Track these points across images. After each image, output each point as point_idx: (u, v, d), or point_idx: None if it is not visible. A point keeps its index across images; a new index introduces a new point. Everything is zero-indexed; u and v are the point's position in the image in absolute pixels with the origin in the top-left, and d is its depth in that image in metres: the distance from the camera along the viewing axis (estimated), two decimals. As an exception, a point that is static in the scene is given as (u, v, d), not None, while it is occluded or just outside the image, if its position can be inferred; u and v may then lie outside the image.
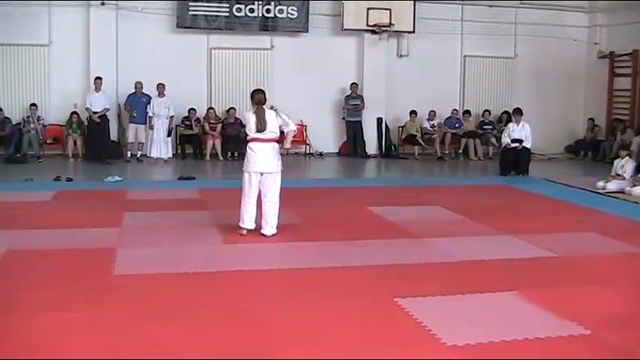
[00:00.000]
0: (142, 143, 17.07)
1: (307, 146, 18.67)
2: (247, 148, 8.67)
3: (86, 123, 16.91)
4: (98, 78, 16.49)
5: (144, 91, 16.96)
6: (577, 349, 5.17)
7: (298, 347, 5.09)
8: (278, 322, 5.61)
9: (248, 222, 8.69)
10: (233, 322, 5.57)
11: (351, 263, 7.44)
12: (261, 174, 8.61)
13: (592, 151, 19.32)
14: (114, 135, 17.32)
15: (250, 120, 8.63)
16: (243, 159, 8.82)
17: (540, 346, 5.17)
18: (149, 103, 16.92)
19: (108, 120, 16.87)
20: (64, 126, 17.20)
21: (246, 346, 5.08)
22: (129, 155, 17.00)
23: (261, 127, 8.53)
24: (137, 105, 16.90)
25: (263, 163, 8.58)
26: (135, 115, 16.84)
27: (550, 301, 6.11)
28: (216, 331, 5.36)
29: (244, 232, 8.67)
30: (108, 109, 16.76)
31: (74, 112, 17.01)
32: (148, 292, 6.31)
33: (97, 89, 16.54)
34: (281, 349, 5.05)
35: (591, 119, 19.86)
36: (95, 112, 16.51)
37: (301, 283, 6.74)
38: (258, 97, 8.66)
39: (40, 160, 16.42)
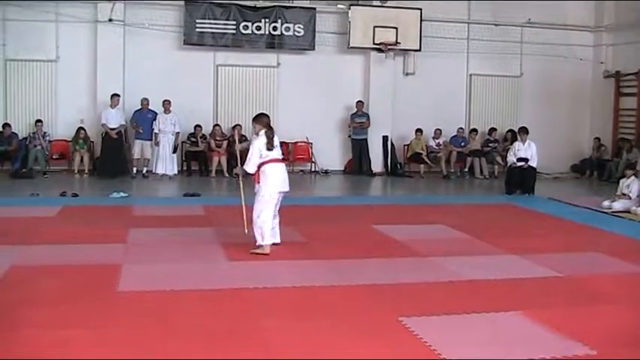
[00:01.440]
0: (148, 159, 17.11)
1: (313, 164, 18.68)
2: (264, 171, 8.72)
3: (101, 139, 16.98)
4: (116, 95, 16.63)
5: (150, 107, 17.00)
6: (582, 369, 5.15)
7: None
8: (282, 340, 5.59)
9: (275, 236, 8.88)
10: (237, 339, 5.55)
11: (356, 282, 7.42)
12: (281, 192, 8.87)
13: (598, 170, 19.29)
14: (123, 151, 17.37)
15: (261, 143, 8.72)
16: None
17: (545, 366, 5.16)
18: (155, 119, 16.96)
19: (122, 136, 16.93)
20: (70, 141, 17.25)
21: (250, 364, 5.07)
22: (135, 171, 17.02)
23: (271, 147, 8.73)
24: (143, 121, 16.95)
25: (285, 181, 8.89)
26: (141, 131, 16.88)
27: (555, 321, 6.07)
28: (219, 348, 5.33)
29: (269, 249, 8.70)
30: (124, 126, 16.85)
31: (81, 128, 17.08)
32: (151, 309, 6.30)
33: (113, 105, 16.63)
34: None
35: (597, 138, 19.84)
36: (112, 129, 16.59)
37: (306, 301, 6.72)
38: (267, 120, 8.93)
39: (46, 176, 16.48)
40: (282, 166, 8.95)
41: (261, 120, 8.91)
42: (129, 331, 5.66)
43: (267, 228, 8.67)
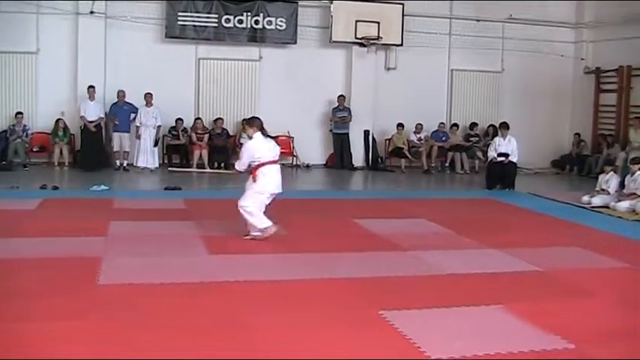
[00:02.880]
0: (127, 152, 17.04)
1: (294, 158, 18.66)
2: (262, 171, 9.02)
3: (79, 131, 16.89)
4: (91, 87, 16.50)
5: (130, 100, 16.92)
6: (560, 362, 5.20)
7: (281, 357, 5.08)
8: (262, 333, 5.59)
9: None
10: (217, 332, 5.56)
11: (337, 275, 7.44)
12: (273, 193, 9.21)
13: (578, 165, 19.42)
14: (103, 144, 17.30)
15: (260, 145, 9.11)
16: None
17: (524, 359, 5.19)
18: (133, 111, 16.91)
19: (102, 128, 16.86)
20: (50, 134, 17.14)
21: (229, 356, 5.07)
22: (117, 164, 16.97)
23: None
24: (120, 114, 16.88)
25: (279, 183, 9.24)
26: (117, 123, 16.84)
27: (534, 315, 6.12)
28: (200, 341, 5.34)
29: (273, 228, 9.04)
30: (103, 118, 16.79)
31: (60, 119, 16.94)
32: (132, 301, 6.29)
33: (91, 98, 16.56)
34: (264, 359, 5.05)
35: (577, 134, 19.98)
36: (91, 122, 16.52)
37: (286, 294, 6.73)
38: (260, 123, 9.29)
39: (26, 168, 16.37)
40: (277, 167, 9.24)
41: (255, 123, 9.27)
42: (109, 324, 5.65)
43: (256, 213, 8.95)
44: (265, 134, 9.29)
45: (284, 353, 5.20)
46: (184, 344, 5.26)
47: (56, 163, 16.78)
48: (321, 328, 5.73)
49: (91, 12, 17.03)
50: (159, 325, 5.68)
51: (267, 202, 9.14)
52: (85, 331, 5.47)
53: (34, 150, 17.20)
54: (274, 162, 9.23)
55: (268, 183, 9.06)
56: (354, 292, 6.88)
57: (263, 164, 9.04)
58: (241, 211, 8.97)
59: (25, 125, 16.84)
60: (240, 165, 9.21)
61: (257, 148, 9.08)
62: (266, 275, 7.42)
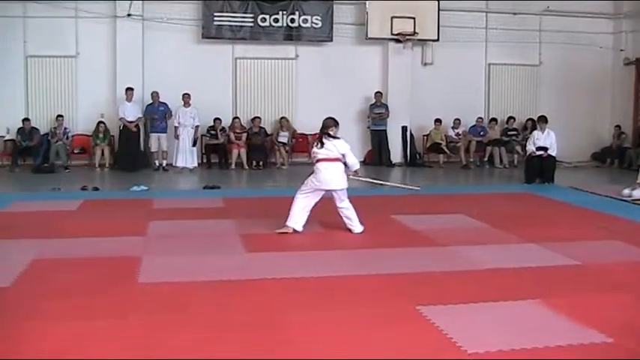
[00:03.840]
0: (166, 152, 17.23)
1: (332, 155, 18.66)
2: (318, 167, 9.42)
3: (118, 132, 17.15)
4: (130, 89, 16.72)
5: (167, 100, 17.10)
6: (598, 356, 5.14)
7: (318, 354, 5.10)
8: (299, 330, 5.62)
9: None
10: (255, 330, 5.58)
11: (373, 271, 7.44)
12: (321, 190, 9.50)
13: (618, 158, 19.23)
14: (141, 145, 17.51)
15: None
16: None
17: (561, 353, 5.14)
18: (167, 111, 17.07)
19: (139, 129, 17.07)
20: (90, 136, 17.40)
21: (268, 353, 5.10)
22: (157, 164, 17.17)
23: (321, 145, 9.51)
24: (155, 114, 17.09)
25: (329, 181, 9.47)
26: (156, 117, 17.10)
27: (572, 309, 6.07)
28: (237, 339, 5.37)
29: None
30: (141, 118, 17.01)
31: (101, 122, 17.21)
32: (171, 300, 6.36)
33: (129, 99, 16.78)
34: (301, 356, 5.07)
35: (618, 126, 19.75)
36: (130, 122, 16.74)
37: (324, 291, 6.74)
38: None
39: (67, 170, 16.63)
40: (329, 164, 9.42)
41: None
42: (149, 323, 5.71)
43: (299, 213, 9.26)
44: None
45: (319, 348, 5.21)
46: (221, 340, 5.30)
47: (97, 165, 17.05)
48: (356, 324, 5.73)
49: (129, 15, 17.28)
50: (196, 322, 5.73)
51: (316, 199, 9.49)
52: (125, 330, 5.54)
53: (75, 152, 17.49)
54: (327, 159, 9.50)
55: (319, 179, 9.44)
56: (390, 287, 6.87)
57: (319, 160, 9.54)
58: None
59: (65, 128, 17.12)
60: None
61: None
62: (303, 272, 7.43)
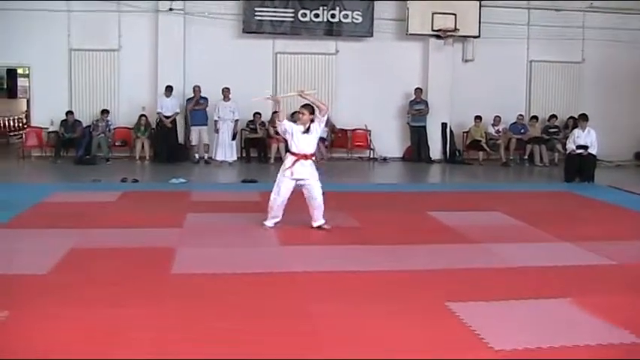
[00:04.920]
0: (208, 145, 17.39)
1: (371, 151, 18.72)
2: None
3: (154, 126, 17.34)
4: (169, 87, 16.92)
5: (208, 94, 17.26)
6: (627, 356, 5.11)
7: (348, 347, 5.14)
8: (330, 323, 5.66)
9: None
10: (286, 322, 5.64)
11: (406, 267, 7.46)
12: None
13: (662, 157, 18.93)
14: (181, 138, 17.68)
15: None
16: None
17: (589, 353, 5.12)
18: (207, 105, 17.23)
19: (176, 123, 17.24)
20: (132, 129, 17.62)
21: (298, 346, 5.15)
22: (197, 157, 17.34)
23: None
24: (197, 108, 17.26)
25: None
26: (202, 102, 17.35)
27: (604, 309, 6.03)
28: (268, 331, 5.42)
29: None
30: (178, 113, 17.18)
31: (142, 115, 17.43)
32: (203, 291, 6.45)
33: (168, 94, 16.95)
34: (331, 349, 5.11)
35: (661, 125, 19.46)
36: (167, 117, 16.93)
37: (355, 285, 6.77)
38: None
39: (108, 162, 16.87)
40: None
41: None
42: (181, 312, 5.81)
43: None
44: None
45: (348, 341, 5.27)
46: (252, 331, 5.37)
47: (137, 157, 17.28)
48: (385, 319, 5.76)
49: (170, 9, 17.48)
50: (228, 313, 5.81)
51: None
52: (156, 318, 5.64)
53: (117, 144, 17.71)
54: None
55: None
56: (421, 283, 6.88)
57: None
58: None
59: (107, 120, 17.34)
60: None
61: None
62: (335, 266, 7.48)
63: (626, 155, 19.55)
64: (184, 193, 12.28)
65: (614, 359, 5.10)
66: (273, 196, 9.33)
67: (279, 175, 9.38)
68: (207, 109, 17.38)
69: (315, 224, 9.26)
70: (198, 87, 17.25)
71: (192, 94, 17.33)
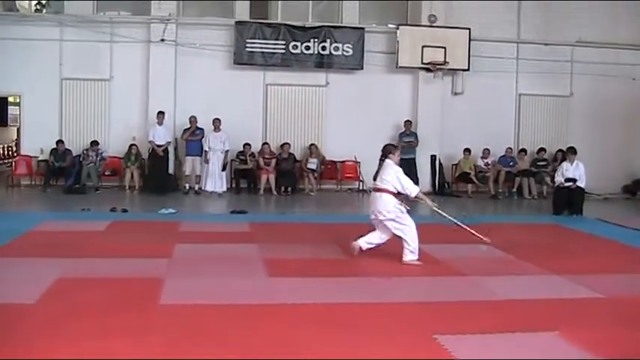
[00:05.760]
0: (199, 176, 17.41)
1: (361, 182, 18.74)
2: None
3: (146, 155, 17.34)
4: (161, 112, 16.94)
5: (199, 125, 17.29)
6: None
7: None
8: (316, 355, 5.65)
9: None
10: (272, 354, 5.63)
11: (394, 299, 7.47)
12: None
13: (649, 191, 19.03)
14: (171, 168, 17.68)
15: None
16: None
17: (577, 386, 5.14)
18: (203, 136, 17.24)
19: (168, 152, 17.26)
20: (122, 158, 17.62)
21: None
22: (187, 188, 17.34)
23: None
24: (192, 138, 17.28)
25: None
26: (197, 133, 17.35)
27: (592, 342, 6.04)
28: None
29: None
30: (170, 143, 17.20)
31: (133, 145, 17.44)
32: (192, 322, 6.42)
33: (160, 123, 16.98)
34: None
35: (649, 158, 19.59)
36: (159, 146, 16.94)
37: (343, 317, 6.76)
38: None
39: (98, 192, 16.85)
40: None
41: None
42: (168, 342, 5.79)
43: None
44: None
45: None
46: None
47: (127, 187, 17.24)
48: (372, 351, 5.75)
49: (162, 40, 17.54)
50: (216, 344, 5.80)
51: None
52: (143, 349, 5.61)
53: (106, 174, 17.70)
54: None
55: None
56: (409, 315, 6.88)
57: None
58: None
59: (98, 149, 17.35)
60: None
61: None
62: (324, 298, 7.46)
63: (615, 188, 19.62)
64: (174, 224, 12.26)
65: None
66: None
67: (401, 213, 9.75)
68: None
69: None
70: (195, 118, 17.31)
71: (188, 125, 17.38)
